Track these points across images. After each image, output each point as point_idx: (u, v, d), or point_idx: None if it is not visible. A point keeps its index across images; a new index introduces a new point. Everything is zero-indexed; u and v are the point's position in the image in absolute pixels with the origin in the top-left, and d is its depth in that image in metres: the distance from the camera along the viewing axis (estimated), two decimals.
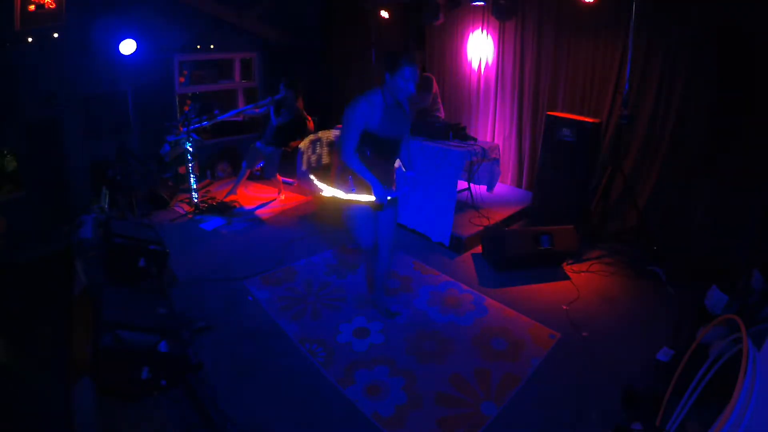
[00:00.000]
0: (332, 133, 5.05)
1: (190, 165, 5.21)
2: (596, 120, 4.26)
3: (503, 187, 5.51)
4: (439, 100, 5.37)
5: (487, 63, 5.66)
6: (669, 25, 3.97)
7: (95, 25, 4.74)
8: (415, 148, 4.57)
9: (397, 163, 3.07)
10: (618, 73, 4.35)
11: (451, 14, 5.62)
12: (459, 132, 4.75)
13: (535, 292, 3.64)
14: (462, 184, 4.79)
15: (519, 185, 5.58)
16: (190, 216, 5.13)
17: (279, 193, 5.70)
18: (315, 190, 3.03)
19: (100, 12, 4.77)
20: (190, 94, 6.58)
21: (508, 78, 5.43)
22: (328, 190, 2.89)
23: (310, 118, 5.42)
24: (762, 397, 1.59)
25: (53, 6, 4.38)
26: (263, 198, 5.70)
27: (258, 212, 5.28)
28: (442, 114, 5.38)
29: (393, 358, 2.86)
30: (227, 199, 5.46)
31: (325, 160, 5.05)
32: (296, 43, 7.04)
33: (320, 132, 5.12)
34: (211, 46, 6.33)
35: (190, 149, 5.15)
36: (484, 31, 5.58)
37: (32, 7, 4.29)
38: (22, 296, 3.55)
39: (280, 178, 5.69)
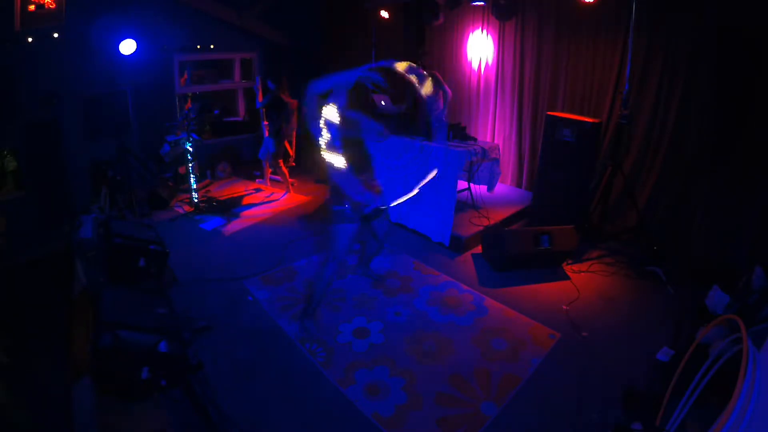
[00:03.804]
0: None
1: (190, 165, 5.21)
2: (596, 120, 4.26)
3: (503, 187, 5.50)
4: (441, 96, 5.25)
5: (487, 63, 5.65)
6: (669, 25, 3.97)
7: (95, 24, 4.73)
8: (415, 148, 4.57)
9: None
10: (618, 73, 4.35)
11: (451, 14, 5.62)
12: (459, 132, 4.75)
13: (535, 292, 3.63)
14: (462, 184, 4.79)
15: (519, 185, 5.58)
16: (190, 216, 5.13)
17: (289, 188, 5.75)
18: None
19: (100, 12, 4.76)
20: (190, 94, 6.58)
21: (508, 78, 5.43)
22: None
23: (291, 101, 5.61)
24: (762, 397, 1.59)
25: (53, 6, 4.37)
26: (264, 198, 5.70)
27: (258, 212, 5.28)
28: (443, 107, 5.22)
29: (393, 358, 2.86)
30: (292, 190, 5.78)
31: None
32: (296, 43, 7.03)
33: None
34: (211, 46, 6.32)
35: (190, 149, 5.15)
36: (484, 31, 5.58)
37: (32, 7, 4.28)
38: (21, 296, 3.54)
39: (288, 177, 5.73)
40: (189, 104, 6.37)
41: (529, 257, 3.86)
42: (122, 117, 5.45)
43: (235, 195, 5.78)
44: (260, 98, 5.72)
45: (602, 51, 4.52)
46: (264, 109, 5.70)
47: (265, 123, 5.70)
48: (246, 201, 5.62)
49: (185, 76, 6.44)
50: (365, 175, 2.97)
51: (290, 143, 5.87)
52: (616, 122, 4.24)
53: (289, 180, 5.78)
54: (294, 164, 6.09)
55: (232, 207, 5.36)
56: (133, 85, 5.55)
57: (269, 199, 5.65)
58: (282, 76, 5.60)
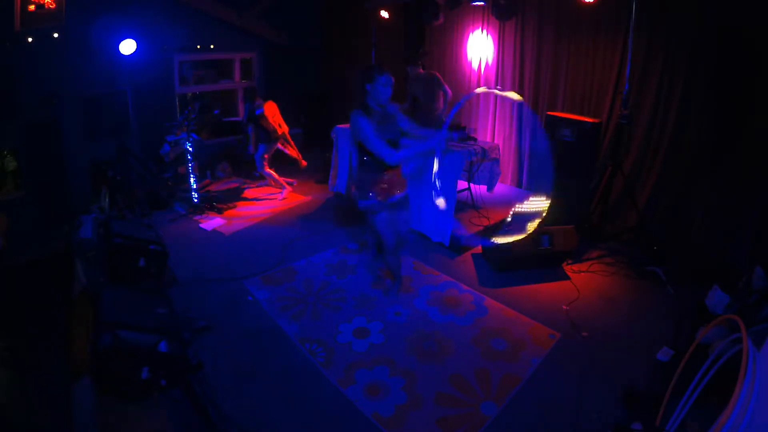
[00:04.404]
0: None
1: (190, 165, 5.21)
2: (596, 120, 4.26)
3: (503, 187, 5.51)
4: (441, 96, 5.27)
5: (487, 63, 5.66)
6: (669, 25, 3.97)
7: (95, 24, 4.73)
8: None
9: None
10: (618, 73, 4.35)
11: (451, 14, 5.62)
12: (459, 132, 4.75)
13: (535, 292, 3.63)
14: (462, 184, 4.79)
15: (519, 185, 5.59)
16: (189, 216, 5.13)
17: (286, 186, 5.73)
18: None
19: (100, 12, 4.77)
20: (190, 94, 6.57)
21: (508, 78, 5.43)
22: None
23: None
24: (762, 397, 1.59)
25: (53, 6, 4.38)
26: (263, 198, 5.70)
27: (258, 212, 5.28)
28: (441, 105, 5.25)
29: (393, 358, 2.86)
30: (289, 188, 5.77)
31: None
32: (296, 43, 7.04)
33: None
34: (211, 46, 6.33)
35: (190, 149, 5.15)
36: (484, 31, 5.58)
37: (32, 7, 4.28)
38: (21, 296, 3.54)
39: (280, 177, 5.71)
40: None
41: (529, 257, 3.85)
42: (122, 117, 5.46)
43: (235, 194, 5.79)
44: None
45: (602, 51, 4.52)
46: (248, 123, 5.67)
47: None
48: (245, 200, 5.62)
49: (193, 76, 6.45)
50: (394, 171, 3.04)
51: (287, 143, 5.80)
52: (616, 122, 4.24)
53: (282, 180, 5.73)
54: (305, 163, 6.01)
55: (231, 206, 5.36)
56: (133, 85, 5.56)
57: (268, 198, 5.65)
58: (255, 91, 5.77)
